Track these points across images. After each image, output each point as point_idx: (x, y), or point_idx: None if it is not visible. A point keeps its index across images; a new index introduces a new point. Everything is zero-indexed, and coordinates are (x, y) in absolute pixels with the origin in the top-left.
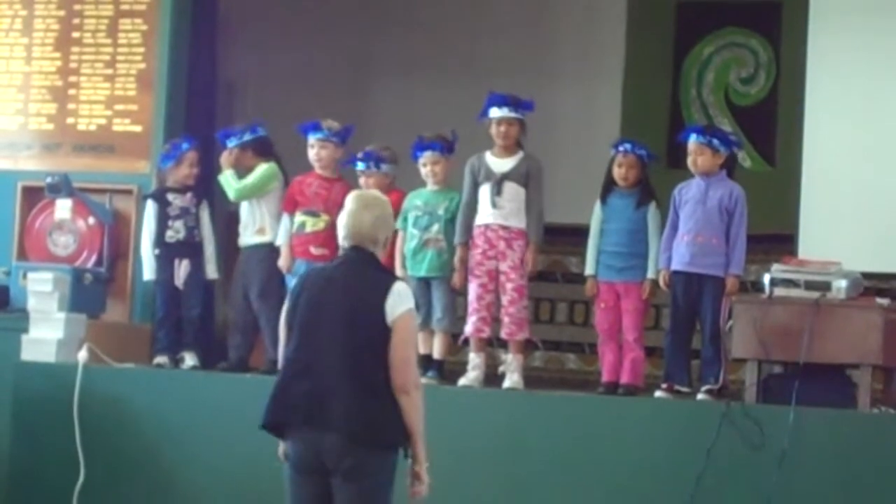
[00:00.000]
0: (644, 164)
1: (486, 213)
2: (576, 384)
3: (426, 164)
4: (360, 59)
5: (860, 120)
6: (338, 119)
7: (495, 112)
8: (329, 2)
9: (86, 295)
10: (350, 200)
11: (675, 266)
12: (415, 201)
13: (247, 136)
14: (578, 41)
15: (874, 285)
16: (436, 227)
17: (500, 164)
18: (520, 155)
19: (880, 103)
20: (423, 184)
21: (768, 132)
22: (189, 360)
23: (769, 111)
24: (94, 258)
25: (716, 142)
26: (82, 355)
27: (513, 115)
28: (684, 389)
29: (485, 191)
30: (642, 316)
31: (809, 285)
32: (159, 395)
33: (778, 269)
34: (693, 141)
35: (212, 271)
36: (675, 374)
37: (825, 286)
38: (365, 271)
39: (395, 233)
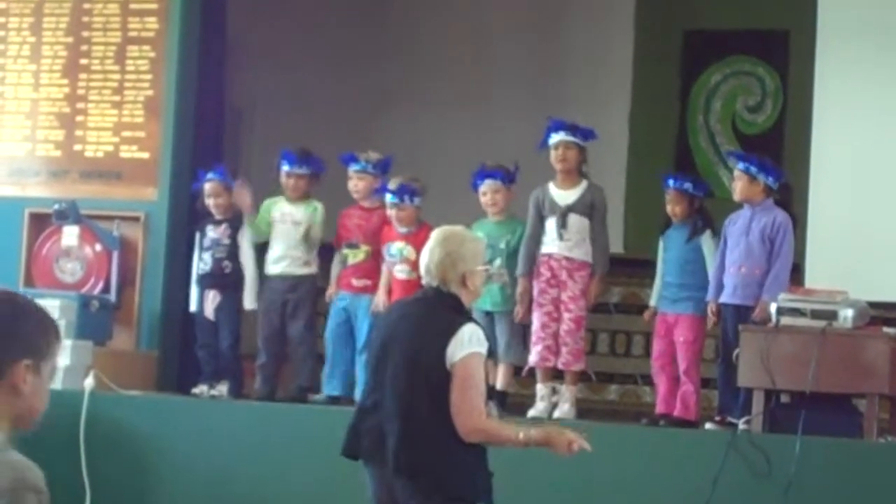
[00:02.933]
0: (692, 197)
1: (551, 244)
2: (581, 413)
3: (486, 193)
4: (369, 86)
5: (867, 149)
6: (345, 146)
7: (554, 137)
8: (338, 29)
9: (92, 322)
10: (431, 236)
11: (723, 298)
12: (476, 233)
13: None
14: (586, 69)
15: (881, 314)
16: (498, 262)
17: (563, 195)
18: (583, 185)
19: (888, 132)
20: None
21: (775, 161)
22: (218, 388)
23: (776, 139)
24: (100, 285)
25: (753, 168)
26: (88, 382)
27: (570, 139)
28: (736, 421)
29: (550, 224)
30: (693, 348)
31: (816, 314)
32: (165, 422)
33: (784, 298)
34: (735, 167)
35: (249, 302)
36: (728, 405)
37: (832, 315)
38: (437, 311)
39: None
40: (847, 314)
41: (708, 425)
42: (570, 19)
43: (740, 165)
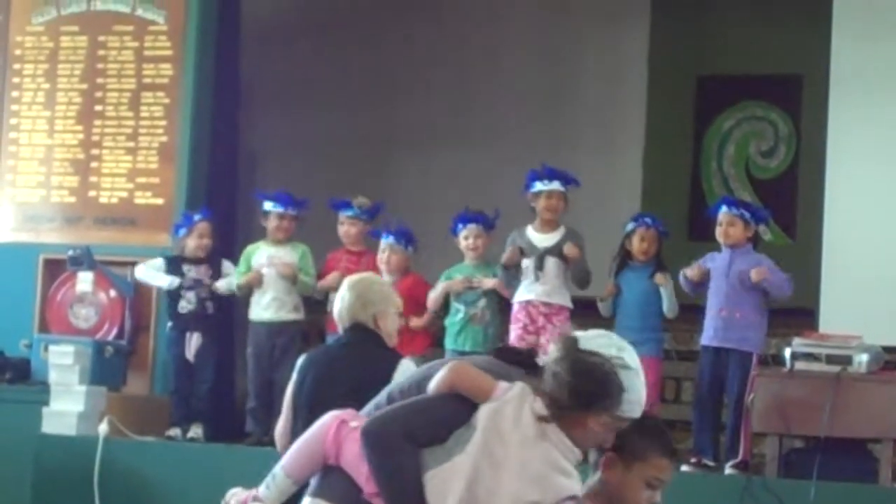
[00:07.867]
0: (661, 240)
1: (528, 289)
2: None
3: (468, 237)
4: (382, 129)
5: (881, 193)
6: (358, 189)
7: (545, 185)
8: (350, 72)
9: (107, 367)
10: (342, 285)
11: (704, 341)
12: (456, 276)
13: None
14: (599, 113)
15: (895, 359)
16: (482, 302)
17: (541, 238)
18: (561, 230)
19: None
20: (452, 258)
21: (789, 205)
22: (194, 431)
23: (789, 184)
24: (115, 331)
25: (747, 214)
26: (103, 428)
27: (562, 189)
28: (711, 464)
29: (527, 266)
30: (654, 391)
31: (830, 359)
32: (180, 468)
33: (799, 343)
34: (725, 212)
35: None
36: (703, 448)
37: (846, 360)
38: (368, 348)
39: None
40: (861, 359)
41: (684, 467)
42: (584, 63)
43: (733, 210)
